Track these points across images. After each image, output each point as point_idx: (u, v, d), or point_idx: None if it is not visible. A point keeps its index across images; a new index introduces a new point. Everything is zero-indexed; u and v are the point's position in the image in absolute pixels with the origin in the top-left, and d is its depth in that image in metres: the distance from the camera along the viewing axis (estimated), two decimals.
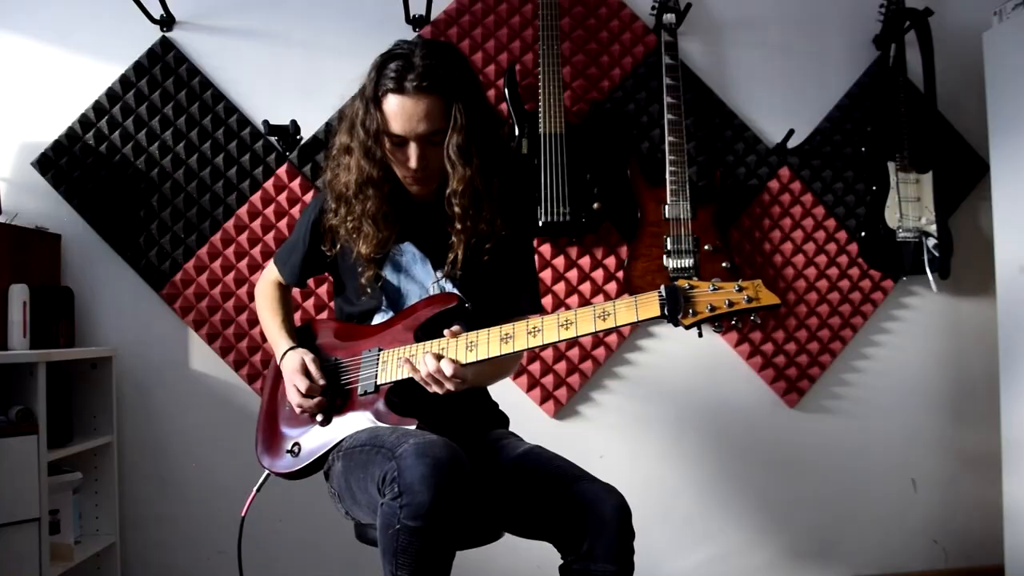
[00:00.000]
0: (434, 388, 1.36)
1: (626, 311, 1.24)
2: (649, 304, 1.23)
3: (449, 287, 1.51)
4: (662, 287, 1.22)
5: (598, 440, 2.48)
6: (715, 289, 1.22)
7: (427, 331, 1.45)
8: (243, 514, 1.61)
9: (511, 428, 1.66)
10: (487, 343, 1.34)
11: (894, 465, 2.63)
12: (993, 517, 2.50)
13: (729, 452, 2.56)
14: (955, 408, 2.67)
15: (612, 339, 2.48)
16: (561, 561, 1.35)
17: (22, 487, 1.82)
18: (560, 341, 1.29)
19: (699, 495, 2.54)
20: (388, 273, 1.54)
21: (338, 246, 1.54)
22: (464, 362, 1.34)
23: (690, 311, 1.21)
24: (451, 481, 1.19)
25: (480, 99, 1.44)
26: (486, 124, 1.43)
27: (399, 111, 1.37)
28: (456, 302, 1.46)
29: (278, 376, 1.60)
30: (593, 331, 1.27)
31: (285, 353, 1.57)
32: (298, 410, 1.51)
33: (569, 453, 1.46)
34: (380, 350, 1.47)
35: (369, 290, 1.53)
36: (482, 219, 1.45)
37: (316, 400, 1.49)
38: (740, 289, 1.21)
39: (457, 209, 1.43)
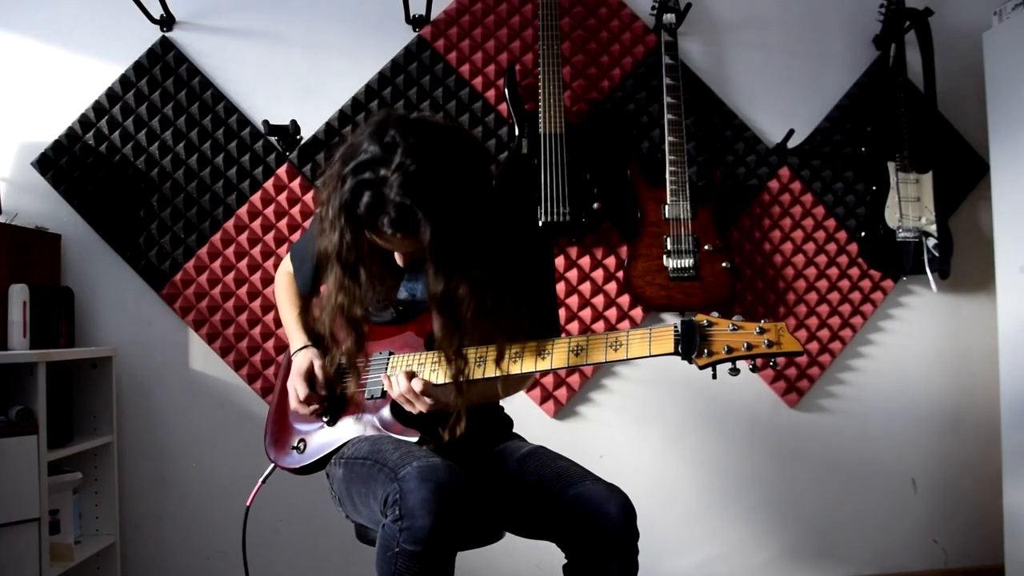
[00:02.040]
0: (408, 407, 1.34)
1: (639, 344, 1.20)
2: (663, 340, 1.18)
3: None
4: (678, 322, 1.17)
5: (598, 440, 2.48)
6: (735, 329, 1.15)
7: None
8: (248, 504, 1.61)
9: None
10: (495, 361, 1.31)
11: (894, 465, 2.63)
12: (993, 517, 2.50)
13: (729, 452, 2.56)
14: (955, 408, 2.67)
15: None
16: (565, 561, 1.35)
17: (22, 487, 1.81)
18: (568, 367, 1.25)
19: (699, 495, 2.54)
20: (403, 295, 1.49)
21: None
22: (472, 378, 1.31)
23: (705, 351, 1.15)
24: (452, 506, 1.18)
25: (471, 206, 1.24)
26: (474, 233, 1.26)
27: (379, 240, 1.26)
28: None
29: (290, 370, 1.59)
30: (604, 360, 1.22)
31: (298, 351, 1.56)
32: (296, 413, 1.51)
33: (569, 453, 1.46)
34: (391, 354, 1.46)
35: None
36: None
37: (312, 408, 1.48)
38: (761, 331, 1.13)
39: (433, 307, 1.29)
